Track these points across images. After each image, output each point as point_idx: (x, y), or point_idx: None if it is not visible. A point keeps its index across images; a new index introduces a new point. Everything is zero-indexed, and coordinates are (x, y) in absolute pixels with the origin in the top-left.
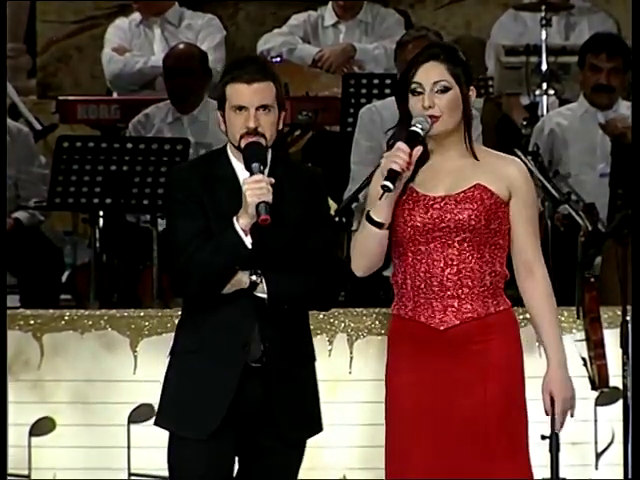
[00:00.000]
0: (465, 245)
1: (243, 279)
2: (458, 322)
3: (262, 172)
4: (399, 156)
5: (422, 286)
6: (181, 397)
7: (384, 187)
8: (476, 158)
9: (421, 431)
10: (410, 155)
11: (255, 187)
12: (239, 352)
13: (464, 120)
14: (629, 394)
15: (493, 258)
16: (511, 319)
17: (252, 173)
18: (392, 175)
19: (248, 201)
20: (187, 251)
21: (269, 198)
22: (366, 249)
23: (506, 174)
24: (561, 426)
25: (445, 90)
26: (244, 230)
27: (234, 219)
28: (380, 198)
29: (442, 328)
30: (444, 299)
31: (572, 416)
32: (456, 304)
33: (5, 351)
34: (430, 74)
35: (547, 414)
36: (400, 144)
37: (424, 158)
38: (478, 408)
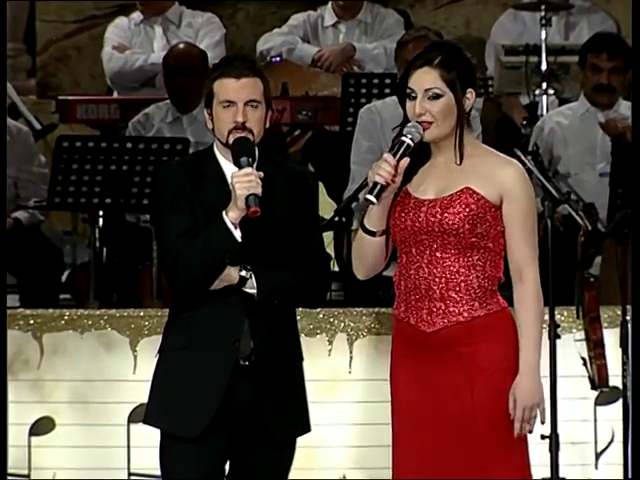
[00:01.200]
0: (450, 248)
1: (233, 274)
2: (444, 325)
3: (251, 165)
4: (384, 169)
5: (412, 288)
6: (171, 395)
7: (367, 200)
8: (459, 163)
9: (414, 431)
10: (396, 167)
11: (244, 180)
12: (229, 349)
13: (457, 125)
14: (629, 394)
15: (483, 262)
16: (504, 321)
17: (241, 167)
18: (375, 188)
19: (238, 194)
20: (175, 247)
21: (259, 191)
22: (364, 255)
23: (499, 177)
24: (520, 430)
25: (437, 97)
26: (233, 224)
27: (223, 213)
28: (365, 210)
29: (429, 331)
30: (431, 302)
31: (542, 423)
32: (443, 307)
33: (5, 351)
34: (422, 80)
35: (510, 417)
36: (386, 155)
37: (424, 160)
38: (466, 411)
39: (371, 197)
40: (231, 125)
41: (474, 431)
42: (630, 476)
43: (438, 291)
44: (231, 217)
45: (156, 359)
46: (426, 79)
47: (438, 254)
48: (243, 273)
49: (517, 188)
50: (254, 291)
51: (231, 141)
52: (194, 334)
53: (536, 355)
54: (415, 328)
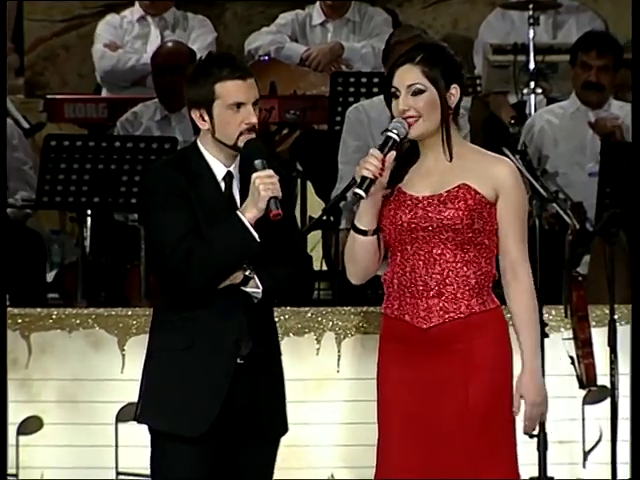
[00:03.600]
0: (448, 245)
1: (237, 273)
2: (440, 321)
3: (266, 168)
4: (371, 163)
5: (408, 285)
6: (173, 395)
7: (355, 194)
8: (450, 160)
9: (405, 429)
10: (383, 161)
11: (268, 182)
12: (231, 348)
13: (442, 120)
14: (617, 392)
15: (479, 258)
16: (498, 318)
17: (256, 169)
18: (364, 182)
19: (262, 195)
20: (182, 246)
21: (280, 194)
22: (356, 257)
23: (493, 174)
24: (532, 429)
25: (419, 92)
26: (250, 224)
27: (238, 213)
28: (354, 205)
29: (425, 327)
30: (428, 298)
31: (543, 420)
32: (440, 303)
33: (5, 351)
34: (404, 77)
35: (515, 414)
36: (373, 150)
37: (414, 158)
38: (460, 408)
39: (360, 191)
40: (243, 127)
41: (466, 429)
42: (630, 476)
43: (436, 287)
44: (248, 217)
45: (145, 358)
46: (408, 76)
47: (435, 250)
48: (247, 272)
49: (512, 185)
50: (254, 289)
51: (241, 143)
52: (196, 334)
53: (538, 353)
54: (410, 325)
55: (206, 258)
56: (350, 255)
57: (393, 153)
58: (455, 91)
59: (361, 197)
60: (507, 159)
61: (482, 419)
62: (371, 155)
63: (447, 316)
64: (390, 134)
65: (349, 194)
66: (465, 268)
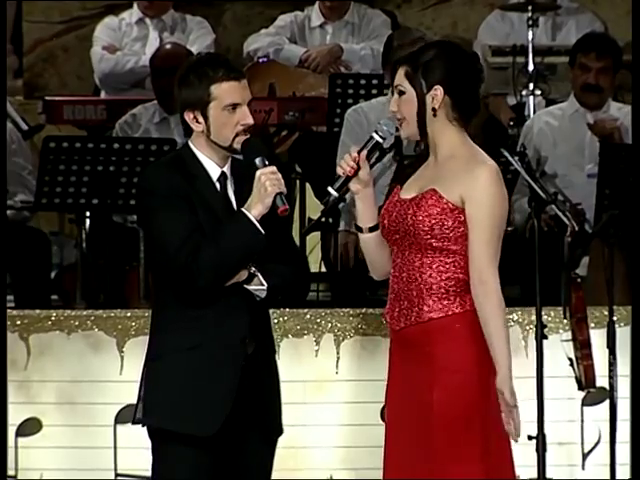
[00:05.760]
0: (414, 249)
1: (243, 271)
2: (406, 325)
3: (266, 165)
4: (344, 160)
5: (390, 285)
6: (184, 396)
7: (327, 192)
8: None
9: (391, 429)
10: (357, 160)
11: (273, 177)
12: (238, 347)
13: (418, 122)
14: (616, 394)
15: (446, 263)
16: (465, 324)
17: (257, 167)
18: (337, 180)
19: (269, 191)
20: (188, 246)
21: (285, 189)
22: (366, 253)
23: (462, 179)
24: (518, 434)
25: (401, 93)
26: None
27: (244, 210)
28: (325, 202)
29: (397, 329)
30: (400, 301)
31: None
32: (407, 306)
33: (5, 351)
34: (395, 78)
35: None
36: (352, 148)
37: (422, 159)
38: (425, 410)
39: (330, 189)
40: (239, 128)
41: (430, 430)
42: (630, 476)
43: (406, 290)
44: (254, 214)
45: (147, 360)
46: (395, 77)
47: (407, 253)
48: (252, 270)
49: (479, 190)
50: (258, 287)
51: (236, 145)
52: (203, 334)
53: (509, 357)
54: (390, 325)
55: (216, 256)
56: (364, 253)
57: (365, 152)
58: (438, 92)
59: (331, 195)
60: (490, 163)
61: (446, 422)
62: (347, 154)
63: (410, 320)
64: (373, 135)
65: (348, 196)
66: (429, 273)
